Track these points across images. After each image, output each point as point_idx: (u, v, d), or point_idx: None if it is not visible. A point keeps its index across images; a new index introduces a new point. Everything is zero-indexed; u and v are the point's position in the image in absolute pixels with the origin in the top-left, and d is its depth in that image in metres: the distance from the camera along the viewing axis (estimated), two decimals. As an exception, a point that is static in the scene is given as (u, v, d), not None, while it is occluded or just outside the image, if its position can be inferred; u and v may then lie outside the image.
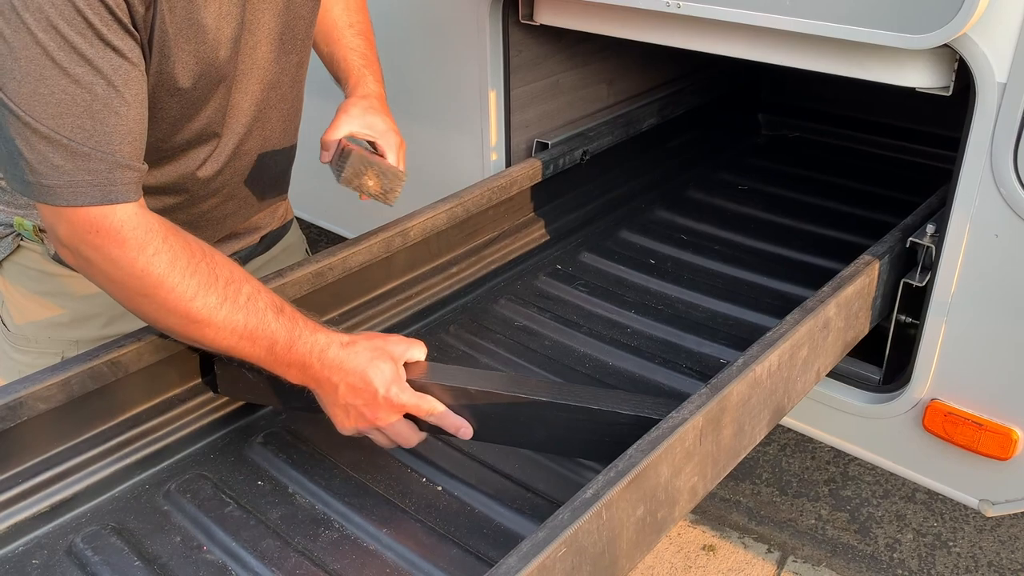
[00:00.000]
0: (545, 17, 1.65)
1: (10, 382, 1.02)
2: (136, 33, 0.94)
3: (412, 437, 1.05)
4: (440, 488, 1.11)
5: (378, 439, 1.06)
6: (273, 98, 1.19)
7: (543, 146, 1.79)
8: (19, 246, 1.23)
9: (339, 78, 1.32)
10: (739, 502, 2.26)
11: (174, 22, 0.98)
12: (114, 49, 0.91)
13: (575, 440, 1.05)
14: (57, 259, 1.21)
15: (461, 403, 1.04)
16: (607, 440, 1.02)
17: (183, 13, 0.98)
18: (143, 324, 1.09)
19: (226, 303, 0.98)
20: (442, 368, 1.09)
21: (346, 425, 1.04)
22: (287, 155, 1.31)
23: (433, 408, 1.03)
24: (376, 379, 1.00)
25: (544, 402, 1.02)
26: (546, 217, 1.75)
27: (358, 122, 1.21)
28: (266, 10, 1.10)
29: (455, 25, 1.71)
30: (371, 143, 1.24)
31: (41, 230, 1.20)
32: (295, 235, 1.51)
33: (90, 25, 0.88)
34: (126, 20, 0.92)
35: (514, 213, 1.69)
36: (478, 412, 1.05)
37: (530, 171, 1.66)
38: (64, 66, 0.88)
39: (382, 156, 1.23)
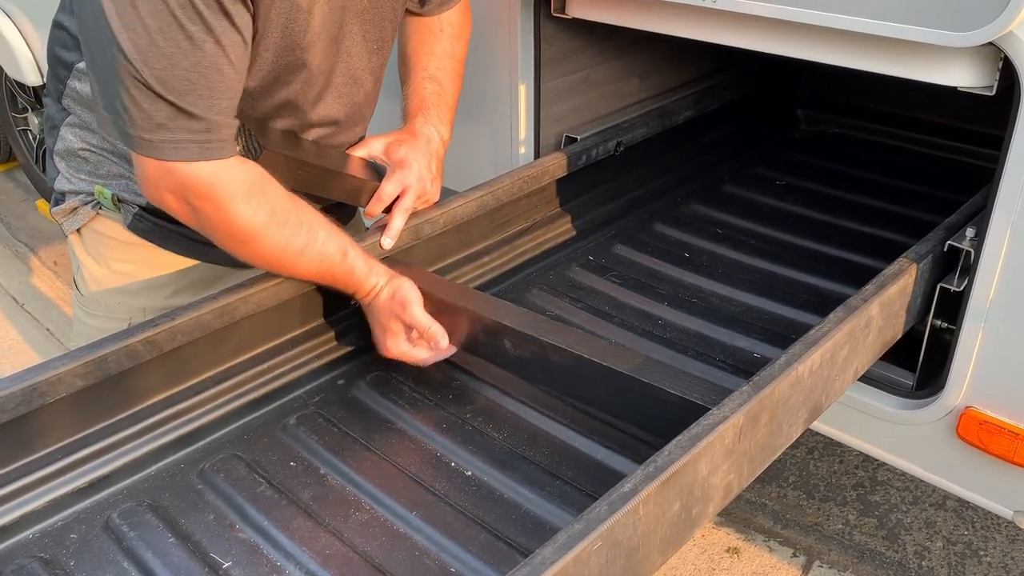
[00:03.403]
0: (577, 10, 1.63)
1: (48, 359, 1.03)
2: (250, 5, 1.03)
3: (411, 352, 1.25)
4: (470, 473, 1.11)
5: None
6: (358, 94, 1.27)
7: (572, 140, 1.78)
8: (97, 214, 1.28)
9: (402, 116, 1.40)
10: (765, 505, 2.24)
11: (276, 3, 1.05)
12: (227, 15, 1.00)
13: (627, 406, 1.11)
14: (133, 228, 1.27)
15: (530, 349, 1.18)
16: (655, 413, 1.07)
17: None
18: (202, 296, 1.16)
19: (307, 250, 1.14)
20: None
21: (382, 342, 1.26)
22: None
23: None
24: (379, 338, 1.26)
25: (601, 365, 1.09)
26: (579, 209, 1.74)
27: (379, 147, 1.33)
28: (354, 3, 1.18)
29: (487, 18, 1.70)
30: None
31: (119, 200, 1.25)
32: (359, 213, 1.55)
33: None
34: None
35: (546, 204, 1.68)
36: (549, 364, 1.15)
37: (562, 162, 1.65)
38: (183, 23, 0.97)
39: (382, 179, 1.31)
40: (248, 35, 1.05)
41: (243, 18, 1.02)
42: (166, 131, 1.01)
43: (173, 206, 1.09)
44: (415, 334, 1.23)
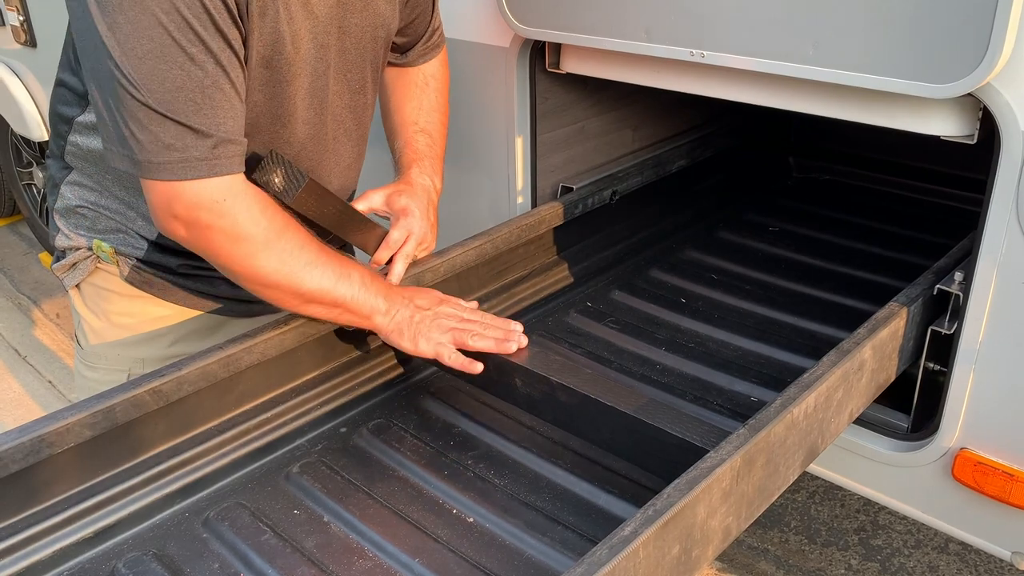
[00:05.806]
0: (571, 65, 1.68)
1: (56, 410, 1.05)
2: (241, 27, 1.06)
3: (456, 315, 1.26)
4: (471, 520, 1.12)
5: (439, 342, 1.24)
6: (339, 132, 1.29)
7: (567, 190, 1.82)
8: (96, 268, 1.30)
9: (395, 168, 1.44)
10: (767, 550, 2.23)
11: (262, 27, 1.08)
12: (223, 36, 1.03)
13: (629, 446, 1.13)
14: (130, 280, 1.29)
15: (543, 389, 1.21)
16: (656, 454, 1.09)
17: (271, 22, 1.09)
18: (204, 345, 1.16)
19: (317, 262, 1.14)
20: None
21: (403, 343, 1.24)
22: (349, 188, 1.41)
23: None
24: (413, 339, 1.24)
25: (606, 405, 1.12)
26: (577, 256, 1.77)
27: (380, 199, 1.37)
28: (336, 42, 1.20)
29: (485, 73, 1.75)
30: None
31: (117, 253, 1.28)
32: None
33: (207, 12, 1.00)
34: (235, 13, 1.04)
35: (544, 251, 1.71)
36: (557, 402, 1.17)
37: (559, 210, 1.69)
38: (183, 45, 1.00)
39: (389, 227, 1.35)
40: (242, 56, 1.07)
41: (237, 41, 1.05)
42: (174, 151, 1.02)
43: (182, 233, 1.09)
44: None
